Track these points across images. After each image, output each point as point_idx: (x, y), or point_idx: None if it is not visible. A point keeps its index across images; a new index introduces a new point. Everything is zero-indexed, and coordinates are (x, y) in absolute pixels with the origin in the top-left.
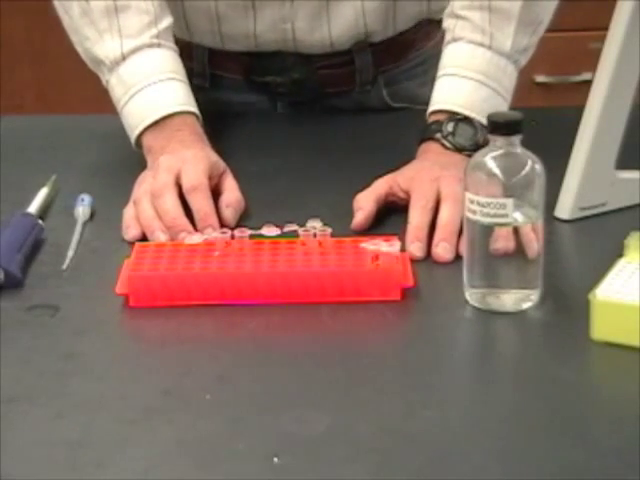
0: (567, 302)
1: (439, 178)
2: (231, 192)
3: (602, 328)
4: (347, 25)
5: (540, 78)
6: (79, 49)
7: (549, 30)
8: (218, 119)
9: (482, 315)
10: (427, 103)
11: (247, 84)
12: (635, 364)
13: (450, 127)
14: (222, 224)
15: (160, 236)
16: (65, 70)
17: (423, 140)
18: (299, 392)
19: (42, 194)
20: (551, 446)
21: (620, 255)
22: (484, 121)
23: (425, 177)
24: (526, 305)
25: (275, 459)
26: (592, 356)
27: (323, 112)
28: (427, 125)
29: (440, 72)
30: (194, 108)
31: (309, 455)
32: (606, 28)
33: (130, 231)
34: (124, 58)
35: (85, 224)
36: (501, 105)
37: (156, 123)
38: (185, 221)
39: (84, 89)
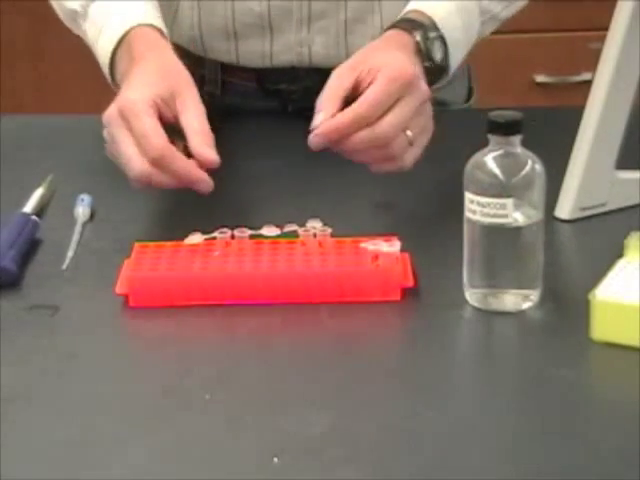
0: (567, 302)
1: (412, 86)
2: (192, 126)
3: (602, 328)
4: None
5: (540, 78)
6: (60, 14)
7: (549, 30)
8: (222, 120)
9: (482, 315)
10: (437, 103)
11: (259, 91)
12: (635, 364)
13: (432, 35)
14: (205, 168)
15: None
16: (65, 70)
17: (394, 27)
18: (299, 392)
19: (37, 194)
20: (551, 446)
21: (620, 255)
22: (450, 48)
23: (406, 71)
24: (526, 305)
25: (275, 459)
26: (592, 356)
27: None
28: (406, 18)
29: None
30: (155, 21)
31: (309, 455)
32: (606, 28)
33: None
34: None
35: (85, 224)
36: (462, 47)
37: (119, 46)
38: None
39: (84, 89)
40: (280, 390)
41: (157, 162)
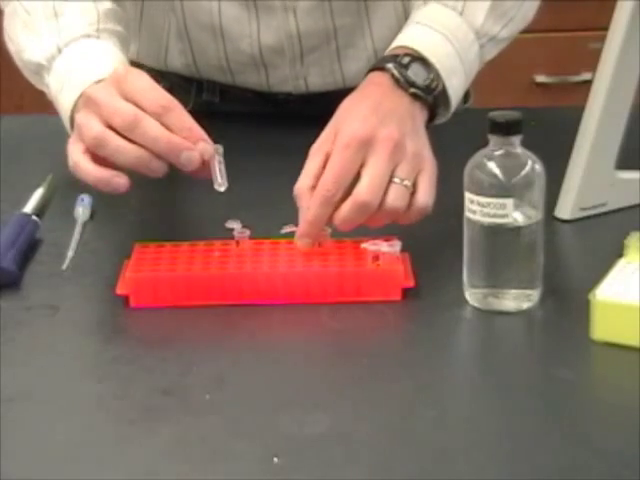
0: (567, 302)
1: (371, 141)
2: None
3: (602, 328)
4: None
5: (540, 78)
6: (24, 69)
7: (549, 30)
8: (221, 121)
9: (482, 315)
10: None
11: (258, 98)
12: (635, 364)
13: (406, 60)
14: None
15: (160, 167)
16: None
17: (371, 70)
18: (299, 392)
19: (38, 194)
20: (551, 446)
21: (620, 255)
22: (442, 73)
23: (358, 132)
24: (526, 305)
25: (275, 459)
26: (592, 356)
27: None
28: (381, 57)
29: (406, 24)
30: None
31: (309, 455)
32: (606, 28)
33: (116, 183)
34: (60, 51)
35: (85, 224)
36: (460, 73)
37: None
38: (180, 139)
39: None
40: (280, 390)
41: (160, 116)
